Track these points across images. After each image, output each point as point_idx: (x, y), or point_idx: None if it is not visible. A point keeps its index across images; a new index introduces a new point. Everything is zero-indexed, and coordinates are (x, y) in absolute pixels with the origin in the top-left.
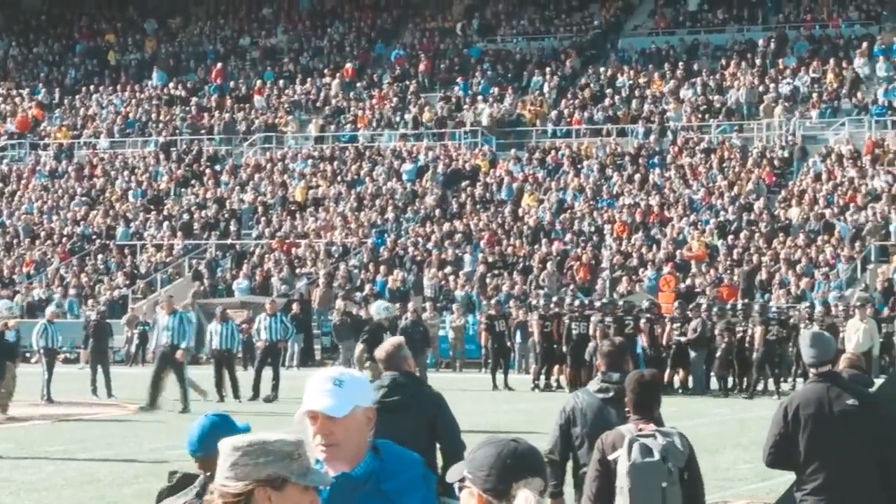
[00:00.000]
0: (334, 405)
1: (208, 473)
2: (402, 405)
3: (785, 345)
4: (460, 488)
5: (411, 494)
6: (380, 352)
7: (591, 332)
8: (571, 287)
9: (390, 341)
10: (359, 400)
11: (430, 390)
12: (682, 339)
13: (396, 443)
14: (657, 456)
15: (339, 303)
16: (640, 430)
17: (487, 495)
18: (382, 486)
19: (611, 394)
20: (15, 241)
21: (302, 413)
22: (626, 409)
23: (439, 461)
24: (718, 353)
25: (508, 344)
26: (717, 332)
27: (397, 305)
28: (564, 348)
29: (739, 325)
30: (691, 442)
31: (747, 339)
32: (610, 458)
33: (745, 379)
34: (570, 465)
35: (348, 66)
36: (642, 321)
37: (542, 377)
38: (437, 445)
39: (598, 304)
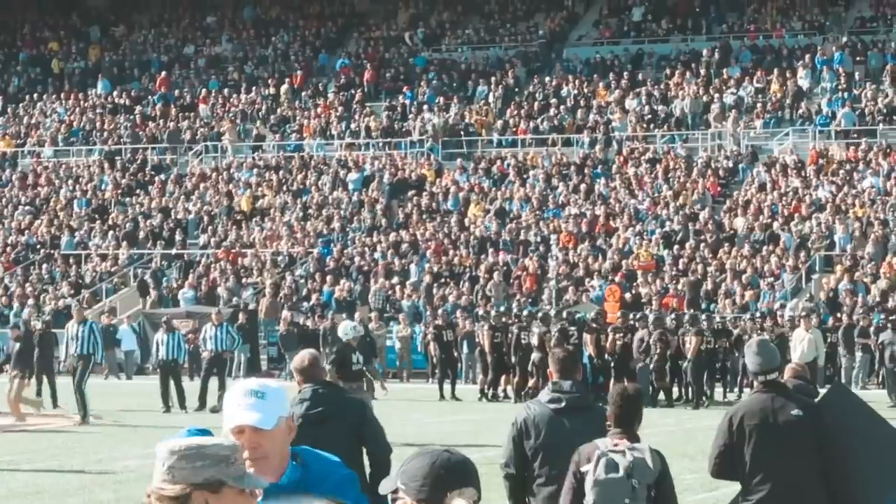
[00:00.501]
0: (262, 418)
1: None
2: (325, 416)
3: (730, 355)
4: (393, 500)
5: (346, 494)
6: (296, 363)
7: (534, 342)
8: (518, 297)
9: (306, 353)
10: (282, 410)
11: (353, 399)
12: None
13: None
14: (622, 472)
15: (286, 313)
16: (615, 444)
17: None
18: (313, 491)
19: (563, 404)
20: None
21: (229, 429)
22: (608, 421)
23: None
24: (652, 364)
25: (455, 354)
26: (651, 341)
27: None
28: (513, 358)
29: (674, 334)
30: None
31: (683, 348)
32: (582, 469)
33: (681, 389)
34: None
35: (295, 74)
36: (587, 331)
37: (490, 388)
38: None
39: (540, 314)
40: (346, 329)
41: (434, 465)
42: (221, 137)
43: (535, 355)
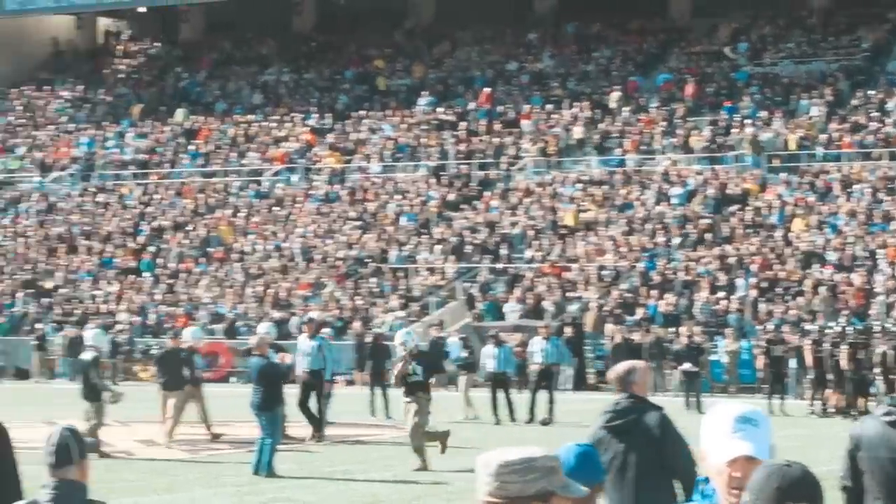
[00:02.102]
0: (758, 447)
1: None
2: (625, 429)
3: None
4: None
5: None
6: (611, 373)
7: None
8: (846, 313)
9: (625, 364)
10: (771, 438)
11: (655, 411)
12: None
13: (621, 466)
14: None
15: (612, 327)
16: None
17: None
18: None
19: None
20: (291, 263)
21: (730, 459)
22: None
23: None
24: None
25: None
26: None
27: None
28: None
29: None
30: None
31: None
32: None
33: None
34: None
35: (616, 89)
36: None
37: (818, 402)
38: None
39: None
40: (402, 338)
41: (769, 479)
42: (545, 152)
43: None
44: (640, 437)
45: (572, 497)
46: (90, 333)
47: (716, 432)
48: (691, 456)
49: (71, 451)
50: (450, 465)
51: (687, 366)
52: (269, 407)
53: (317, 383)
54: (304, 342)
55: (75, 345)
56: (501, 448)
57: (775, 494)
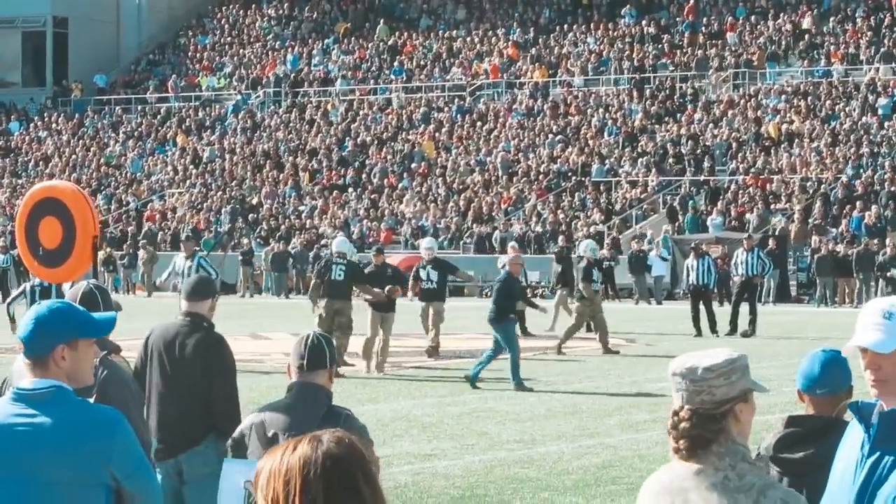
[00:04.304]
0: (883, 340)
1: (828, 414)
2: None
3: None
4: None
5: None
6: None
7: None
8: None
9: None
10: None
11: None
12: None
13: None
14: None
15: (815, 238)
16: None
17: None
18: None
19: None
20: (493, 178)
21: (852, 346)
22: None
23: None
24: None
25: None
26: None
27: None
28: None
29: None
30: None
31: None
32: None
33: None
34: None
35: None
36: None
37: None
38: None
39: None
40: (586, 248)
41: None
42: (751, 64)
43: None
44: None
45: (762, 393)
46: (337, 241)
47: (858, 322)
48: None
49: (324, 356)
50: (648, 376)
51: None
52: (501, 320)
53: None
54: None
55: (280, 260)
56: (686, 355)
57: None
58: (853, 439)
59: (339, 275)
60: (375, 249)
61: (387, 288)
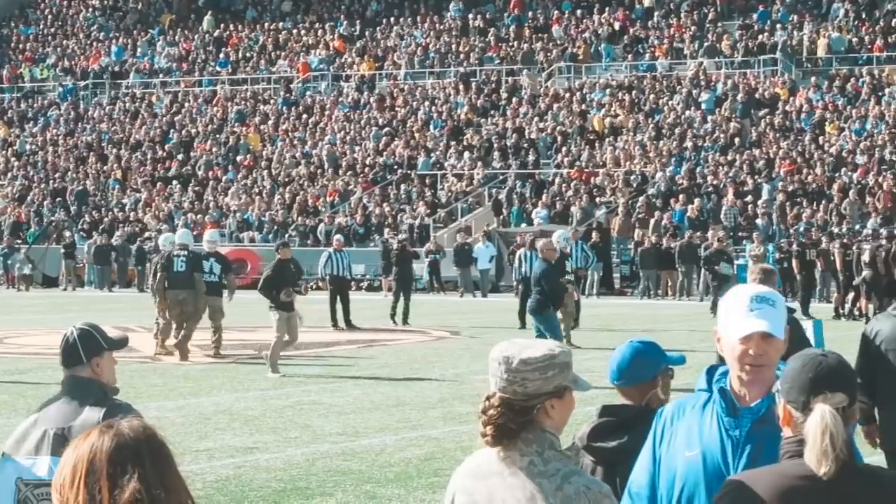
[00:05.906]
0: (774, 325)
1: (638, 403)
2: None
3: None
4: None
5: None
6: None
7: (866, 259)
8: (873, 216)
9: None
10: (785, 320)
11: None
12: None
13: None
14: None
15: (638, 231)
16: None
17: (790, 406)
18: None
19: None
20: (319, 171)
21: (737, 338)
22: None
23: None
24: None
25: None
26: None
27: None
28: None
29: None
30: None
31: None
32: None
33: None
34: None
35: None
36: None
37: (847, 305)
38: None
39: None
40: (559, 238)
41: (804, 369)
42: (577, 58)
43: (865, 273)
44: None
45: (582, 391)
46: (179, 232)
47: (732, 311)
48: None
49: (77, 350)
50: (472, 368)
51: (722, 266)
52: (543, 309)
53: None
54: None
55: (102, 253)
56: (510, 342)
57: (809, 384)
58: (696, 423)
59: (181, 266)
60: (280, 244)
61: (283, 292)
